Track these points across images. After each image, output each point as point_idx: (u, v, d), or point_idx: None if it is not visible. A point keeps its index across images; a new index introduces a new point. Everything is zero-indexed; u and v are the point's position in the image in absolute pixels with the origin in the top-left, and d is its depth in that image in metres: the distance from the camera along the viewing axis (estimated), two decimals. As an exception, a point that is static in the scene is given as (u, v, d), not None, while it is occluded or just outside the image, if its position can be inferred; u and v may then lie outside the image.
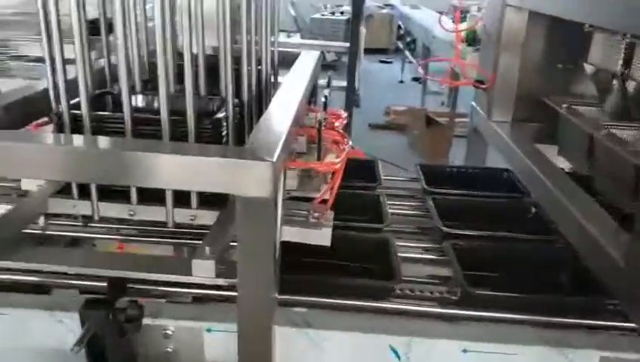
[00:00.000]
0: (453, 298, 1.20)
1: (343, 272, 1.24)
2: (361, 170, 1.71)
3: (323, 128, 1.24)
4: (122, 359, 1.05)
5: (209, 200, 1.00)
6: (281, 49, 1.78)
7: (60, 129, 0.99)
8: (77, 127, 0.98)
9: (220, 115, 1.03)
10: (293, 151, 1.17)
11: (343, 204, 1.49)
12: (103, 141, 0.87)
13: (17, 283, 1.13)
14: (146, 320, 1.08)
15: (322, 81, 1.71)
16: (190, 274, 0.86)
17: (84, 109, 0.96)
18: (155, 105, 1.03)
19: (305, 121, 1.33)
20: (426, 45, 6.00)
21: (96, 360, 1.03)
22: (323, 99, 1.38)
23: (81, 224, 1.25)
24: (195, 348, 1.09)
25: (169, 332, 1.09)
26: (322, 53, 6.21)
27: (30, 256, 0.89)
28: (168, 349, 1.10)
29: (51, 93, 0.98)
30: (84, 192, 1.02)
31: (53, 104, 1.00)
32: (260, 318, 0.88)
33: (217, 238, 0.91)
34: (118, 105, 1.01)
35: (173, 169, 0.80)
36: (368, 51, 9.03)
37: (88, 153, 0.82)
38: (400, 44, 8.59)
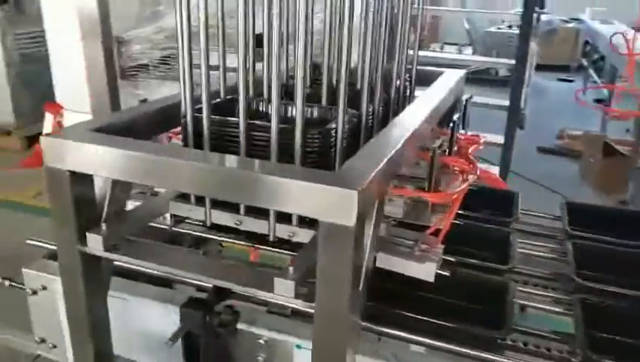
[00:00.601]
0: (573, 360, 1.05)
1: (449, 312, 1.16)
2: (497, 202, 1.59)
3: (441, 153, 1.18)
4: (214, 359, 1.10)
5: (308, 219, 1.00)
6: (422, 67, 1.73)
7: (185, 130, 1.06)
8: (198, 130, 1.03)
9: (332, 125, 1.02)
10: (393, 176, 1.12)
11: (466, 237, 1.40)
12: (201, 156, 0.93)
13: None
14: (242, 326, 1.12)
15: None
16: (272, 291, 0.87)
17: (204, 113, 1.01)
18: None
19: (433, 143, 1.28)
20: (613, 64, 5.42)
21: (192, 355, 1.09)
22: (451, 125, 1.31)
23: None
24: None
25: (261, 341, 1.11)
26: (495, 68, 5.89)
27: (137, 252, 0.97)
28: (259, 358, 1.12)
29: (182, 97, 1.05)
30: (200, 199, 1.08)
31: (183, 108, 1.06)
32: (333, 345, 0.86)
33: (304, 259, 0.90)
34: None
35: (259, 187, 0.82)
36: (546, 68, 8.43)
37: (186, 166, 0.87)
38: (584, 62, 7.87)
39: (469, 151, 1.41)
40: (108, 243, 0.97)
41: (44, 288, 1.27)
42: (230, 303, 1.10)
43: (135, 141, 0.95)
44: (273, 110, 0.96)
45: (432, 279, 1.07)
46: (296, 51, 0.93)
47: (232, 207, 1.06)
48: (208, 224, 1.10)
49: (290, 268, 0.87)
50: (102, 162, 0.92)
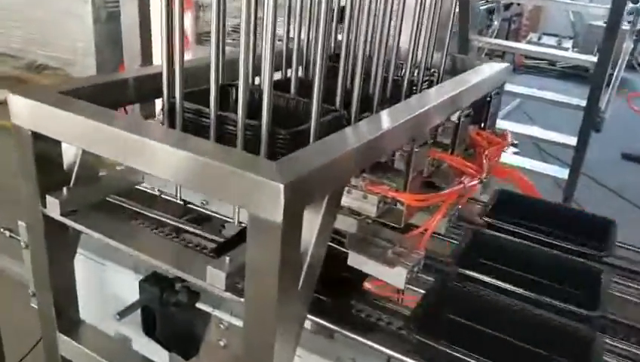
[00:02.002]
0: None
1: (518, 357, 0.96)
2: (584, 228, 1.26)
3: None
4: (170, 336, 1.08)
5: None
6: (462, 56, 1.62)
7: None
8: (172, 116, 0.98)
9: (304, 126, 0.94)
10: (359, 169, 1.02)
11: (544, 265, 1.13)
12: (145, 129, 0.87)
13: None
14: (206, 308, 1.09)
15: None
16: (204, 280, 0.82)
17: (177, 100, 0.96)
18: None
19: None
20: None
21: (149, 328, 1.08)
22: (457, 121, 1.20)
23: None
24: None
25: (222, 326, 1.08)
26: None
27: (89, 220, 0.96)
28: (220, 342, 1.09)
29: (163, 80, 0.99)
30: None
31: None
32: (261, 343, 0.81)
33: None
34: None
35: (185, 166, 0.77)
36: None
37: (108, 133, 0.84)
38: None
39: (485, 153, 1.30)
40: (65, 208, 0.96)
41: (36, 243, 1.30)
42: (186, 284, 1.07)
43: (94, 108, 0.92)
44: (240, 102, 0.90)
45: (402, 286, 0.99)
46: (264, 38, 0.87)
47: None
48: (178, 200, 1.08)
49: (227, 258, 0.82)
50: (58, 126, 0.91)
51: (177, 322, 1.06)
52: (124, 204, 1.22)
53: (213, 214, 1.26)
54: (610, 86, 3.92)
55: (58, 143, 0.98)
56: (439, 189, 1.14)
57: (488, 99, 1.37)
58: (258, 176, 0.71)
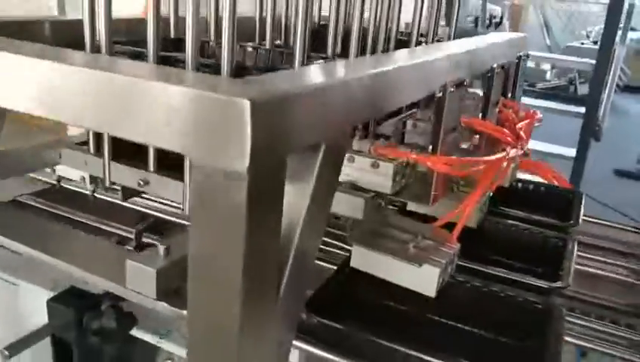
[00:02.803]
0: None
1: (469, 347, 0.76)
2: (551, 202, 1.18)
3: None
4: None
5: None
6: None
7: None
8: None
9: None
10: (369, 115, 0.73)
11: (503, 242, 1.00)
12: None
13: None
14: (149, 337, 0.77)
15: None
16: (123, 285, 0.50)
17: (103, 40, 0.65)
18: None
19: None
20: None
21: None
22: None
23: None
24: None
25: (170, 363, 0.75)
26: (574, 85, 5.33)
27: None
28: (169, 386, 0.76)
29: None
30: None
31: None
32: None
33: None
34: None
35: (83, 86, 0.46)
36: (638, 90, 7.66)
37: None
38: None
39: (518, 125, 1.01)
40: None
41: None
42: (115, 303, 0.74)
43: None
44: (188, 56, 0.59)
45: (432, 293, 0.68)
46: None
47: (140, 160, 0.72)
48: (107, 183, 0.76)
49: (162, 248, 0.51)
50: None
51: (104, 358, 0.73)
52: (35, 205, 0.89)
53: (169, 218, 0.97)
54: (606, 94, 3.74)
55: None
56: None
57: (516, 60, 1.09)
58: (203, 90, 0.40)
